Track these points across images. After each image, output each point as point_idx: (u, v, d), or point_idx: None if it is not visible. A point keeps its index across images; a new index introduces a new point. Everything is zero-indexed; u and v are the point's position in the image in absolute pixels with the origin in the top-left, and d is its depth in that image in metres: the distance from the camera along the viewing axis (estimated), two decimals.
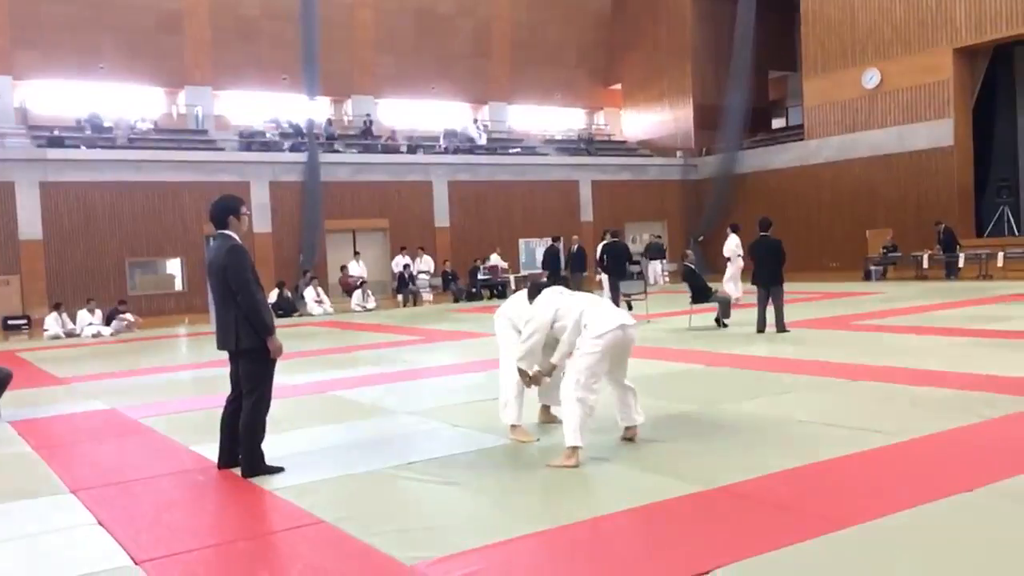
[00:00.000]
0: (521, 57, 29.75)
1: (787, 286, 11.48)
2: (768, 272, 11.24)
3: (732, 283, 14.51)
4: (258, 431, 5.19)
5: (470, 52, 28.95)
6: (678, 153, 29.23)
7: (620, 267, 15.17)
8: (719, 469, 4.78)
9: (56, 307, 17.70)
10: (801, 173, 25.67)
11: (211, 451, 5.59)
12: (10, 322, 18.53)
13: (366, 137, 26.08)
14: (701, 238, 26.27)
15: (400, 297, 21.84)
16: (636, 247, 25.21)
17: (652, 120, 30.59)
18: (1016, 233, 21.80)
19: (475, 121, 28.92)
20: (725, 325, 12.25)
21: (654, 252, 24.71)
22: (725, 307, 12.43)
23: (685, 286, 13.21)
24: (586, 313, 5.23)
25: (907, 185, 23.07)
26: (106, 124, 22.79)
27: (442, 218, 24.97)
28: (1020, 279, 18.05)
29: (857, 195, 24.22)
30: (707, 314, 12.66)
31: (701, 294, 12.67)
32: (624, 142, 31.45)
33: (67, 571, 3.77)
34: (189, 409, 7.81)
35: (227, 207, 5.31)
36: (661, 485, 4.56)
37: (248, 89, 26.16)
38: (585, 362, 5.12)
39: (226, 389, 5.45)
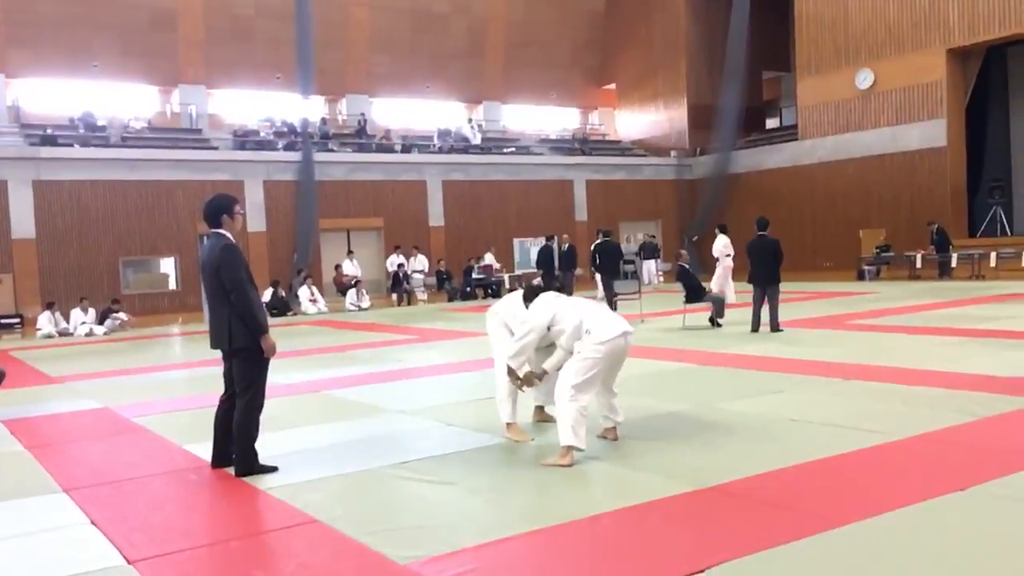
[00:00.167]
0: (516, 57, 29.75)
1: (781, 286, 11.51)
2: (766, 272, 11.25)
3: (720, 283, 14.49)
4: (252, 430, 5.19)
5: (465, 51, 28.95)
6: (672, 153, 29.27)
7: (612, 266, 15.21)
8: (712, 468, 4.79)
9: (49, 306, 17.66)
10: (795, 173, 25.72)
11: (204, 450, 5.58)
12: (3, 321, 18.46)
13: (360, 136, 26.04)
14: (695, 238, 26.30)
15: (394, 296, 21.83)
16: (631, 247, 25.24)
17: (646, 120, 30.62)
18: (1008, 233, 21.88)
19: (470, 120, 28.92)
20: (719, 325, 12.27)
21: (648, 252, 24.73)
22: (719, 307, 12.45)
23: (679, 286, 13.23)
24: (587, 319, 5.25)
25: (900, 185, 23.14)
26: (100, 123, 22.72)
27: (436, 217, 24.96)
28: (1012, 279, 18.13)
29: (850, 195, 24.28)
30: (701, 314, 12.68)
31: (695, 294, 12.69)
32: (618, 142, 31.48)
33: (60, 570, 3.76)
34: (182, 408, 7.80)
35: (221, 206, 5.30)
36: (654, 484, 4.57)
37: (242, 88, 26.11)
38: (585, 365, 5.14)
39: (219, 388, 5.44)
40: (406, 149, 25.71)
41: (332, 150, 24.39)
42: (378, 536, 3.95)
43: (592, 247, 16.15)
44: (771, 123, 31.98)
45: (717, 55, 27.30)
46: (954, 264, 20.04)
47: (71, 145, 21.14)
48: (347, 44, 26.73)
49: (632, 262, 23.91)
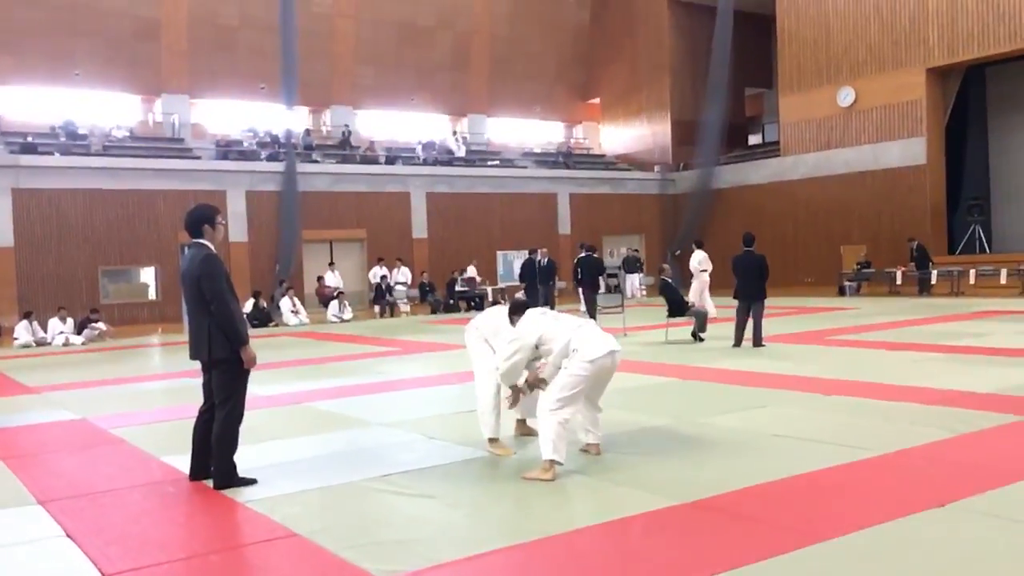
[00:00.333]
0: (500, 70, 29.86)
1: (766, 301, 11.55)
2: (752, 287, 11.28)
3: (696, 298, 14.54)
4: (231, 442, 5.14)
5: (450, 64, 29.02)
6: (656, 167, 29.42)
7: (593, 280, 15.25)
8: (694, 483, 4.79)
9: (27, 315, 17.48)
10: (777, 189, 25.92)
11: (183, 462, 5.51)
12: None
13: (344, 147, 26.01)
14: (678, 252, 26.40)
15: (377, 308, 21.76)
16: (614, 260, 25.30)
17: (630, 134, 30.78)
18: (987, 251, 22.12)
19: (454, 133, 28.96)
20: (701, 339, 12.31)
21: (631, 266, 24.81)
22: (701, 321, 12.49)
23: (662, 300, 13.27)
24: (575, 338, 5.25)
25: (881, 202, 23.36)
26: (81, 131, 22.57)
27: (420, 229, 24.93)
28: (991, 296, 18.32)
29: (832, 211, 24.49)
30: (684, 328, 12.71)
31: (678, 308, 12.72)
32: (603, 156, 31.62)
33: None
34: (161, 420, 7.72)
35: (202, 216, 5.27)
36: (636, 499, 4.56)
37: (225, 98, 26.03)
38: (570, 382, 5.15)
39: (198, 399, 5.40)
40: (390, 161, 25.69)
41: (316, 161, 24.34)
42: (358, 550, 3.91)
43: (575, 261, 16.21)
44: (754, 139, 32.22)
45: (701, 71, 27.52)
46: (934, 281, 20.24)
47: (52, 153, 20.97)
48: (332, 55, 26.73)
49: (615, 276, 23.96)
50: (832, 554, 3.65)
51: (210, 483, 5.16)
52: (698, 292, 14.77)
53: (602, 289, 17.21)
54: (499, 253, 25.76)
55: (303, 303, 21.12)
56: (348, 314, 20.67)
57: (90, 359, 14.13)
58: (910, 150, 22.79)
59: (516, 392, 5.65)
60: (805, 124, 25.26)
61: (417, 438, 6.39)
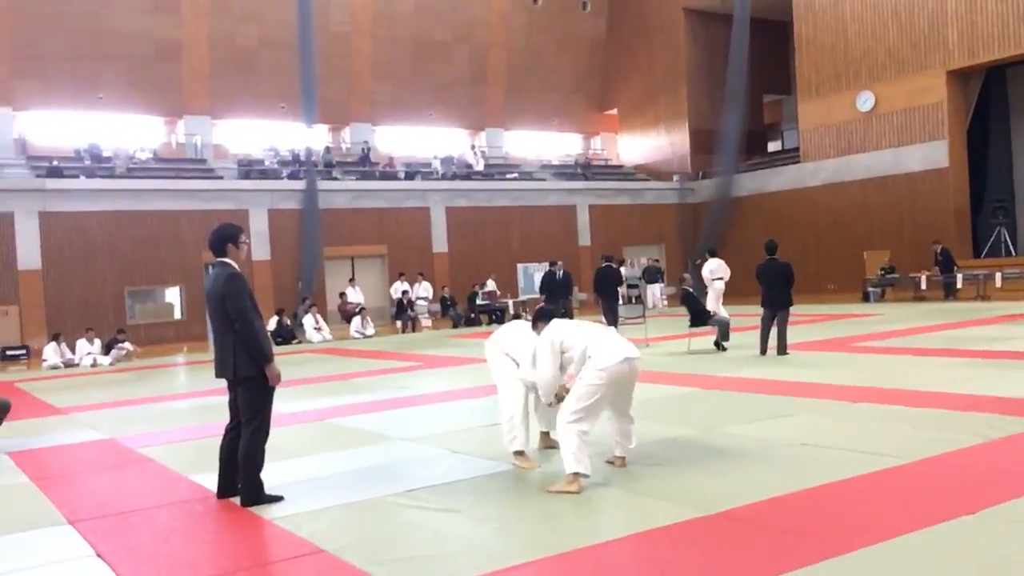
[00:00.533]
0: (517, 83, 29.96)
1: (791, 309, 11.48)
2: (779, 295, 11.21)
3: (714, 307, 14.41)
4: (257, 460, 5.17)
5: (466, 79, 29.17)
6: (675, 177, 29.36)
7: (611, 291, 15.20)
8: (720, 493, 4.76)
9: (55, 337, 17.68)
10: (797, 196, 25.77)
11: (210, 480, 5.55)
12: (9, 352, 18.51)
13: (364, 164, 26.19)
14: (699, 261, 26.25)
15: (399, 323, 21.83)
16: (634, 271, 25.23)
17: (648, 144, 30.75)
18: (1013, 253, 21.84)
19: (472, 147, 29.07)
20: (724, 348, 12.23)
21: (652, 276, 24.73)
22: (724, 330, 12.42)
23: (683, 309, 13.21)
24: (591, 345, 5.21)
25: (903, 207, 23.16)
26: (105, 154, 22.90)
27: (440, 244, 25.02)
28: (1018, 299, 18.06)
29: (853, 217, 24.30)
30: (706, 337, 12.65)
31: (699, 317, 12.66)
32: (621, 166, 31.60)
33: None
34: (188, 438, 7.78)
35: (226, 235, 5.32)
36: (662, 510, 4.54)
37: (246, 118, 26.32)
38: (585, 391, 5.10)
39: (225, 418, 5.43)
40: (409, 176, 25.83)
41: (336, 178, 24.51)
42: (384, 566, 3.92)
43: (595, 272, 16.19)
44: (773, 146, 32.10)
45: (718, 79, 27.43)
46: (959, 285, 20.00)
47: (77, 176, 21.29)
48: (350, 73, 26.96)
49: (636, 286, 23.88)
50: (861, 565, 3.61)
51: (238, 501, 5.19)
52: (713, 301, 14.66)
53: (622, 300, 17.14)
54: (519, 266, 25.77)
55: (326, 320, 21.22)
56: (370, 330, 20.74)
57: (118, 379, 14.27)
58: (932, 154, 22.59)
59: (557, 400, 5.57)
60: (824, 130, 25.13)
61: (441, 453, 6.40)
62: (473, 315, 22.62)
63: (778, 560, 3.68)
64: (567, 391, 5.35)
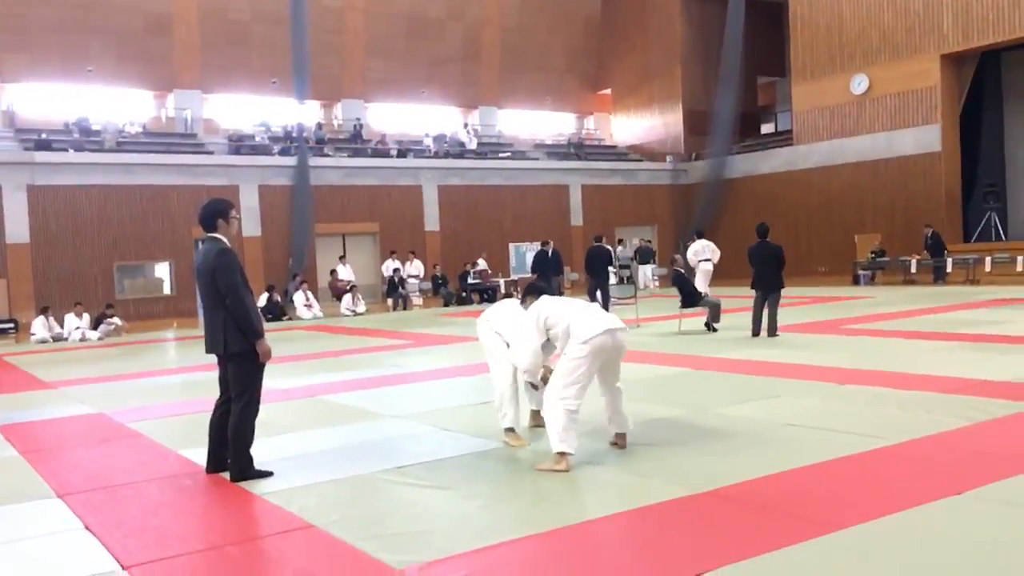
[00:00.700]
0: (511, 62, 29.80)
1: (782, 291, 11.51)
2: (769, 278, 11.25)
3: (703, 287, 14.42)
4: (247, 435, 5.17)
5: (460, 56, 28.98)
6: (668, 158, 29.33)
7: (600, 270, 15.21)
8: (709, 472, 4.79)
9: (43, 311, 17.61)
10: (790, 178, 25.78)
11: (199, 455, 5.56)
12: None
13: (356, 141, 26.05)
14: (688, 243, 26.34)
15: (390, 301, 21.81)
16: (626, 251, 25.27)
17: (642, 125, 30.68)
18: (1003, 238, 21.94)
19: (465, 125, 28.94)
20: (715, 329, 12.27)
21: (644, 256, 24.76)
22: (715, 311, 12.45)
23: (675, 290, 13.24)
24: (574, 321, 5.20)
25: (895, 190, 23.21)
26: (94, 127, 22.69)
27: (432, 222, 24.96)
28: (1007, 284, 18.17)
29: (845, 200, 24.35)
30: (697, 318, 12.68)
31: (691, 298, 12.69)
32: (614, 147, 31.53)
33: None
34: (177, 413, 7.78)
35: (216, 210, 5.29)
36: (651, 488, 4.57)
37: (237, 92, 26.10)
38: (569, 367, 5.08)
39: (215, 393, 5.43)
40: (402, 154, 25.71)
41: (327, 155, 24.38)
42: (374, 541, 3.93)
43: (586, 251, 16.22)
44: (766, 128, 32.06)
45: (712, 60, 27.37)
46: (949, 269, 20.10)
47: (66, 150, 21.11)
48: (343, 49, 26.75)
49: (627, 267, 23.92)
50: (850, 542, 3.64)
51: (227, 476, 5.19)
52: (701, 283, 14.68)
53: (613, 280, 17.17)
54: (511, 245, 25.76)
55: (316, 297, 21.19)
56: (361, 307, 20.71)
57: (106, 354, 14.24)
58: (924, 137, 22.62)
59: (533, 387, 5.62)
60: (818, 112, 25.11)
61: (431, 430, 6.41)
62: (464, 294, 22.63)
63: (767, 538, 3.71)
64: (551, 371, 5.34)
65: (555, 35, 30.48)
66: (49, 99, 23.82)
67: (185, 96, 24.95)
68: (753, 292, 11.52)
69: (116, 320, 18.09)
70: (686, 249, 16.93)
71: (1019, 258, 19.34)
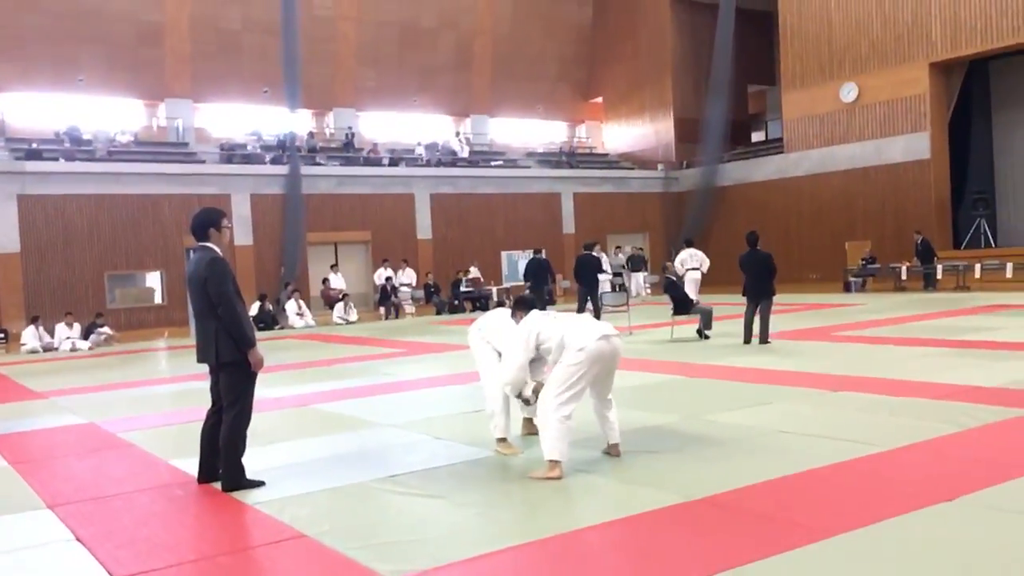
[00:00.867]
0: (503, 70, 29.86)
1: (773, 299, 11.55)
2: (759, 285, 11.30)
3: (694, 295, 14.44)
4: (239, 445, 5.15)
5: (452, 65, 29.04)
6: (659, 166, 29.41)
7: (590, 278, 15.23)
8: (701, 480, 4.79)
9: (34, 320, 17.53)
10: (781, 185, 25.88)
11: (191, 465, 5.53)
12: None
13: (348, 150, 26.05)
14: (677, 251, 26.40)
15: (382, 310, 21.79)
16: (618, 259, 25.31)
17: (633, 133, 30.76)
18: (993, 245, 22.06)
19: (457, 134, 28.98)
20: (707, 337, 12.30)
21: (636, 264, 24.81)
22: (707, 319, 12.48)
23: (667, 298, 13.26)
24: (568, 331, 5.20)
25: (885, 197, 23.32)
26: (85, 136, 22.64)
27: (424, 230, 24.96)
28: (997, 290, 18.27)
29: (836, 207, 24.45)
30: (689, 326, 12.70)
31: (683, 306, 12.72)
32: (606, 155, 31.60)
33: None
34: (168, 423, 7.75)
35: (208, 219, 5.28)
36: (643, 496, 4.56)
37: (229, 101, 26.08)
38: (566, 373, 5.08)
39: (206, 403, 5.41)
40: (394, 162, 25.72)
41: (319, 163, 24.37)
42: (366, 551, 3.92)
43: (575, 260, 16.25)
44: (757, 136, 32.19)
45: (703, 69, 27.48)
46: (939, 276, 20.19)
47: (57, 159, 21.04)
48: (334, 58, 26.77)
49: (620, 275, 23.95)
50: (843, 549, 3.65)
51: (218, 486, 5.17)
52: (691, 291, 14.71)
53: (605, 288, 17.18)
54: (503, 253, 25.77)
55: (308, 305, 21.15)
56: (353, 316, 20.69)
57: (97, 364, 14.17)
58: (914, 145, 22.74)
59: (525, 402, 5.63)
60: (808, 120, 25.23)
61: (424, 439, 6.40)
62: (457, 302, 22.62)
63: (760, 545, 3.71)
64: (542, 385, 5.34)
65: (546, 44, 30.58)
66: (40, 108, 23.76)
67: (176, 105, 24.91)
68: (745, 300, 11.55)
69: (106, 330, 18.02)
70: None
71: (1009, 265, 19.44)
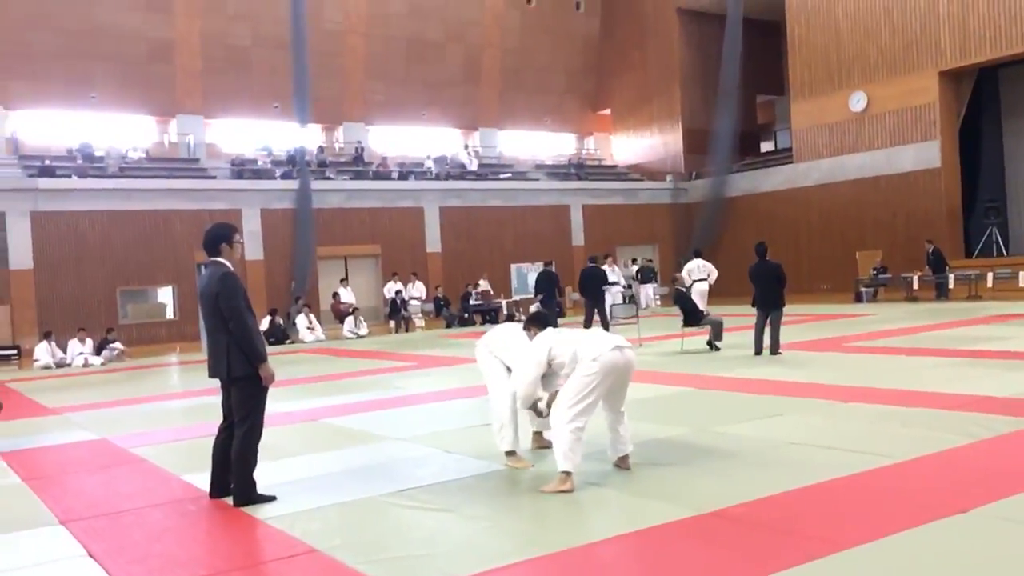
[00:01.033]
0: (511, 83, 29.98)
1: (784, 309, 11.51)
2: (770, 296, 11.27)
3: (701, 306, 14.39)
4: (250, 459, 5.16)
5: (460, 78, 29.16)
6: (668, 177, 29.42)
7: (595, 290, 15.22)
8: (713, 493, 4.77)
9: (46, 336, 17.62)
10: (790, 196, 25.84)
11: (203, 480, 5.55)
12: (0, 352, 18.41)
13: (357, 164, 26.16)
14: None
15: (392, 323, 21.82)
16: (627, 271, 25.29)
17: (642, 144, 30.80)
18: (1005, 254, 21.93)
19: (466, 147, 29.07)
20: (717, 348, 12.26)
21: (645, 276, 24.78)
22: (717, 330, 12.44)
23: (676, 309, 13.23)
24: (580, 346, 5.20)
25: (895, 207, 23.24)
26: (97, 153, 22.82)
27: (434, 244, 25.02)
28: (1010, 299, 18.14)
29: (846, 217, 24.38)
30: (699, 337, 12.67)
31: (692, 317, 12.69)
32: (614, 166, 31.64)
33: None
34: (180, 438, 7.77)
35: (219, 235, 5.31)
36: (655, 510, 4.55)
37: (239, 117, 26.27)
38: (580, 384, 5.07)
39: (218, 417, 5.43)
40: (403, 176, 25.82)
41: (329, 178, 24.49)
42: (377, 565, 3.92)
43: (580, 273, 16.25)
44: (766, 146, 32.18)
45: (711, 79, 27.52)
46: (951, 285, 20.08)
47: (69, 176, 21.22)
48: (343, 73, 26.93)
49: (630, 287, 23.92)
50: (854, 563, 3.62)
51: (230, 500, 5.18)
52: (699, 302, 14.67)
53: (611, 301, 17.14)
54: (513, 266, 25.79)
55: (319, 320, 21.21)
56: (364, 330, 20.72)
57: (109, 379, 14.23)
58: (924, 154, 22.68)
59: (538, 413, 5.62)
60: (817, 130, 25.20)
61: (434, 452, 6.40)
62: (467, 315, 22.62)
63: (771, 559, 3.69)
64: (554, 396, 5.32)
65: (555, 56, 30.69)
66: (53, 126, 23.99)
67: (187, 121, 25.10)
68: (755, 311, 11.52)
69: (118, 345, 18.10)
70: None
71: (1021, 273, 19.30)
